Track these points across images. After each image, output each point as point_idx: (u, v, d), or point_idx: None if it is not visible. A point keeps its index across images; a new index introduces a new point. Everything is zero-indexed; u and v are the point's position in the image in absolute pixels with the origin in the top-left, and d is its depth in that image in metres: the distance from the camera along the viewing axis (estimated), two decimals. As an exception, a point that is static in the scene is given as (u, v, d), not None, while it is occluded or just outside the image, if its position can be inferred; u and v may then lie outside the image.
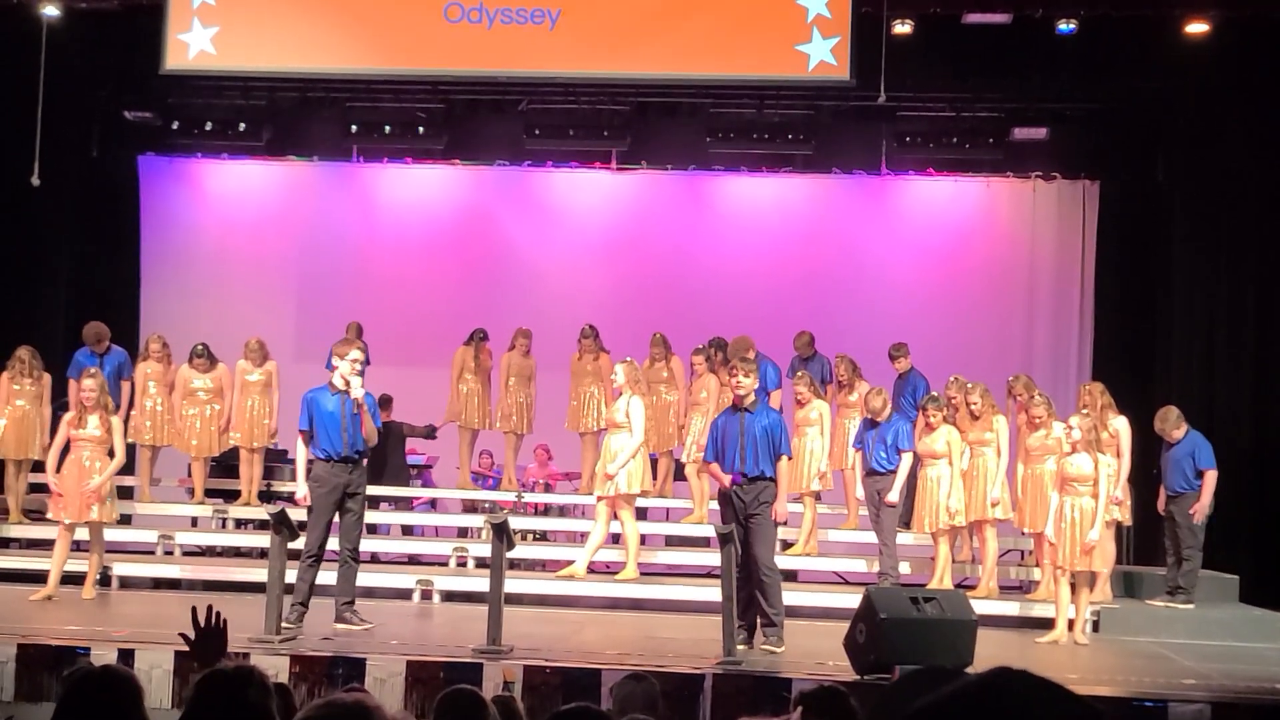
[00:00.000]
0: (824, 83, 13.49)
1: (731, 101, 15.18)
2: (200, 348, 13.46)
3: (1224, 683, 9.19)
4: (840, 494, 13.11)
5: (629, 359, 12.00)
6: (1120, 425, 11.66)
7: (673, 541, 13.47)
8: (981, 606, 9.79)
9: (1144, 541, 13.39)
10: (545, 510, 14.54)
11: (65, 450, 11.05)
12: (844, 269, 16.38)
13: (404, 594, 11.86)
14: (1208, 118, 14.27)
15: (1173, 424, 11.90)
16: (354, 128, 15.59)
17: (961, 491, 11.56)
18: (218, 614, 4.07)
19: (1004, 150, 15.34)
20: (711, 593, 9.91)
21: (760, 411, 9.82)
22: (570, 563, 11.93)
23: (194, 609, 4.08)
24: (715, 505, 10.78)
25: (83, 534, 11.12)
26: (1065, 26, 13.20)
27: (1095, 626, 11.04)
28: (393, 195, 17.21)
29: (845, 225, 16.67)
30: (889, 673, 8.11)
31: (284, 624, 9.20)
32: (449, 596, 11.90)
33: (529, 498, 14.31)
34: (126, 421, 12.58)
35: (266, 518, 9.77)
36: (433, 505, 15.30)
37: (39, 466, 12.64)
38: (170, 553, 12.89)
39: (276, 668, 8.07)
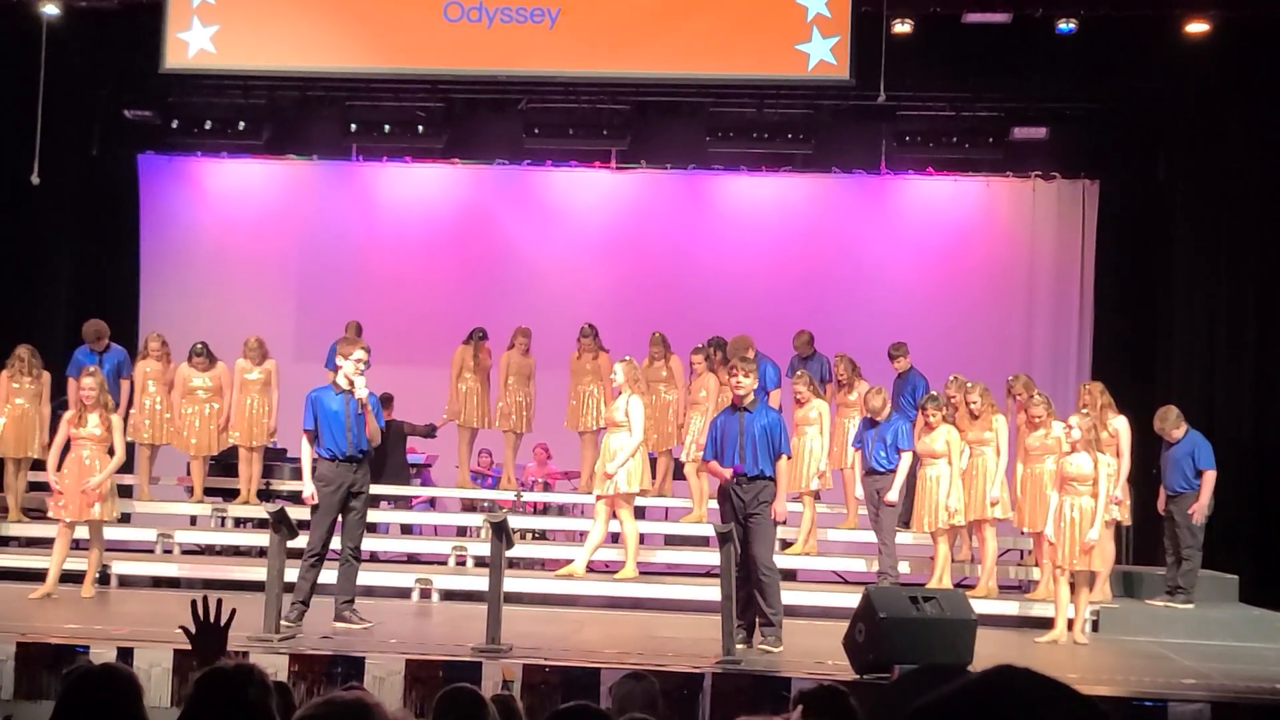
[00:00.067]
0: (824, 82, 13.49)
1: (731, 101, 15.17)
2: (200, 346, 13.46)
3: (1224, 682, 9.19)
4: (839, 493, 13.12)
5: (628, 358, 12.00)
6: (1120, 425, 11.65)
7: (672, 540, 13.47)
8: (981, 606, 9.79)
9: (1143, 541, 13.39)
10: (544, 509, 14.53)
11: (65, 449, 11.05)
12: (844, 268, 16.37)
13: (403, 593, 11.86)
14: (1208, 117, 14.28)
15: (1172, 423, 11.90)
16: (354, 127, 15.58)
17: (961, 491, 11.56)
18: (219, 602, 4.06)
19: (1004, 150, 15.33)
20: (711, 592, 9.91)
21: (759, 411, 9.81)
22: (569, 562, 11.93)
23: (194, 602, 4.07)
24: (714, 504, 10.78)
25: (82, 532, 11.11)
26: (1065, 26, 13.20)
27: (1095, 626, 11.04)
28: (392, 194, 17.20)
29: (845, 225, 16.67)
30: (888, 672, 8.11)
31: (283, 622, 9.20)
32: (448, 595, 11.90)
33: (528, 497, 14.31)
34: (126, 420, 12.58)
35: (265, 516, 9.77)
36: (432, 504, 15.31)
37: (38, 465, 12.64)
38: (169, 551, 12.89)
39: (275, 666, 8.07)
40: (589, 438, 13.66)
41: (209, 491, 13.83)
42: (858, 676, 8.28)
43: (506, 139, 16.03)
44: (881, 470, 11.63)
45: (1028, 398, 11.65)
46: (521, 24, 13.13)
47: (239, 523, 13.56)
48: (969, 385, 11.81)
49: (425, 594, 11.88)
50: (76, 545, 11.14)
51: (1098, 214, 15.88)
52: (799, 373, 12.77)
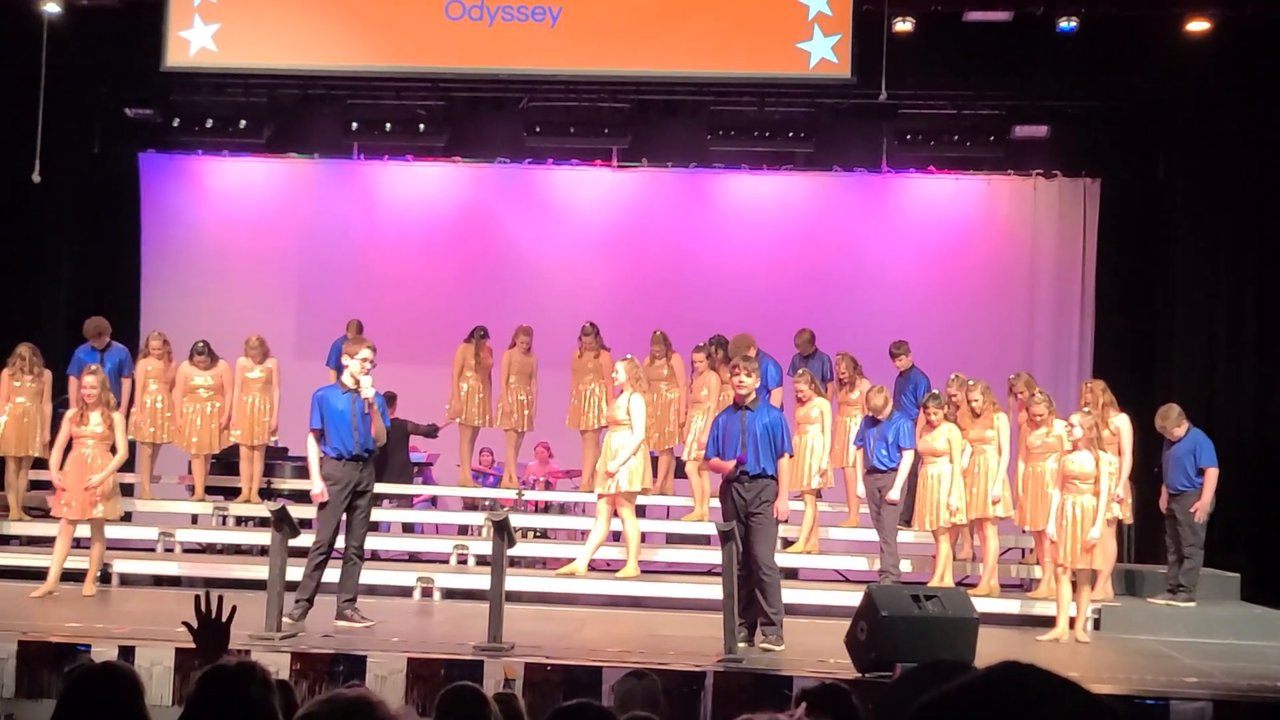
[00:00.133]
0: (825, 80, 13.48)
1: (732, 99, 15.16)
2: (201, 345, 13.46)
3: (1226, 681, 9.20)
4: (841, 492, 13.11)
5: (630, 356, 11.99)
6: (1121, 423, 11.65)
7: (673, 539, 13.47)
8: (982, 604, 9.80)
9: (1145, 539, 13.38)
10: (546, 508, 14.53)
11: (67, 447, 11.06)
12: (845, 267, 16.37)
13: (405, 591, 11.86)
14: (1208, 116, 14.28)
15: (1174, 422, 11.90)
16: (355, 125, 15.57)
17: (962, 489, 11.55)
18: (220, 598, 4.06)
19: (1005, 148, 15.33)
20: (712, 590, 9.91)
21: (761, 409, 9.81)
22: (571, 560, 11.93)
23: (197, 598, 4.07)
24: (716, 503, 10.78)
25: (83, 531, 11.11)
26: (1066, 24, 13.22)
27: (1096, 624, 11.04)
28: (393, 192, 17.20)
29: (846, 223, 16.66)
30: (890, 670, 8.10)
31: (287, 619, 9.22)
32: (450, 594, 11.90)
33: (529, 495, 14.32)
34: (127, 418, 12.58)
35: (267, 515, 9.76)
36: (433, 503, 15.31)
37: (39, 463, 12.65)
38: (171, 550, 12.89)
39: (277, 665, 8.06)
40: (590, 436, 13.66)
41: (210, 490, 13.83)
42: (859, 675, 8.28)
43: (507, 137, 16.03)
44: (883, 469, 11.63)
45: (1029, 396, 11.64)
46: (523, 22, 13.14)
47: (240, 521, 13.56)
48: (970, 383, 11.81)
49: (427, 592, 11.89)
50: (78, 544, 11.14)
51: (1099, 212, 15.88)
52: (800, 371, 12.77)
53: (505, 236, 16.95)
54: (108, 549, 11.52)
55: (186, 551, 13.15)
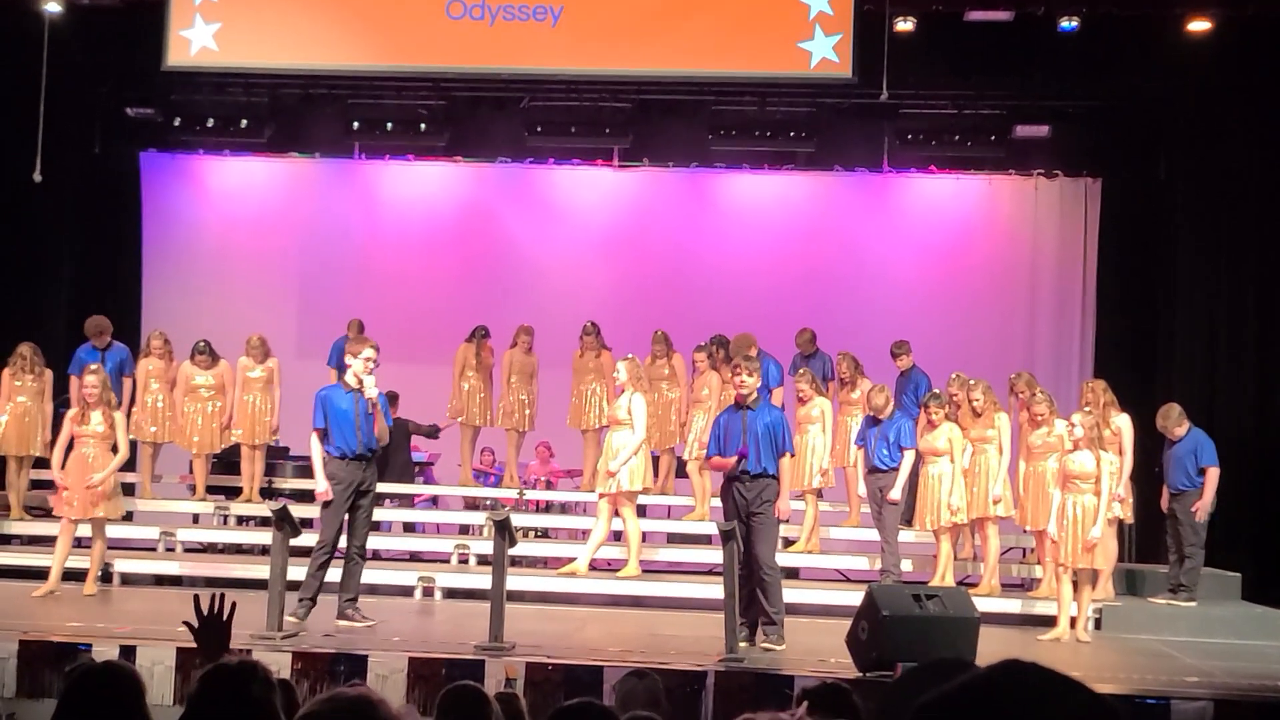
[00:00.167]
0: (826, 80, 13.49)
1: (733, 99, 15.16)
2: (202, 344, 13.46)
3: (1226, 680, 9.19)
4: (842, 491, 13.11)
5: (631, 356, 11.99)
6: (1122, 422, 11.65)
7: (674, 539, 13.47)
8: (983, 604, 9.78)
9: (1146, 539, 13.38)
10: (547, 507, 14.53)
11: (69, 447, 11.06)
12: (846, 266, 16.37)
13: (406, 591, 11.86)
14: (1209, 116, 14.27)
15: (1174, 421, 11.90)
16: (356, 124, 15.57)
17: (963, 489, 11.55)
18: (220, 596, 4.06)
19: (1006, 148, 15.33)
20: (713, 590, 9.91)
21: (762, 409, 9.80)
22: (572, 560, 11.92)
23: (196, 597, 4.07)
24: (717, 502, 10.78)
25: (84, 530, 11.11)
26: (1067, 24, 13.22)
27: (1097, 624, 11.04)
28: (394, 192, 17.20)
29: (847, 222, 16.66)
30: (891, 670, 8.10)
31: (290, 618, 9.23)
32: (451, 593, 11.90)
33: (530, 495, 14.31)
34: (128, 418, 12.57)
35: (268, 514, 9.77)
36: (434, 502, 15.31)
37: (41, 463, 12.65)
38: (172, 549, 12.89)
39: (278, 664, 8.05)
40: (591, 436, 13.65)
41: (211, 489, 13.84)
42: (861, 674, 8.28)
43: (509, 137, 16.03)
44: (884, 468, 11.62)
45: (1030, 395, 11.64)
46: (524, 22, 13.14)
47: (241, 520, 13.55)
48: (971, 383, 11.81)
49: (428, 592, 11.88)
50: (79, 543, 11.14)
51: (1099, 212, 15.88)
52: (801, 371, 12.77)
53: (506, 236, 16.95)
54: (109, 548, 11.51)
55: (188, 551, 13.15)
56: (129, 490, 13.07)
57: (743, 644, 9.09)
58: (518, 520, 10.51)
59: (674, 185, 16.86)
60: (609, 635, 10.01)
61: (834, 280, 16.22)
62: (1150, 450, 12.33)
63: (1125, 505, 11.68)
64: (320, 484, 9.89)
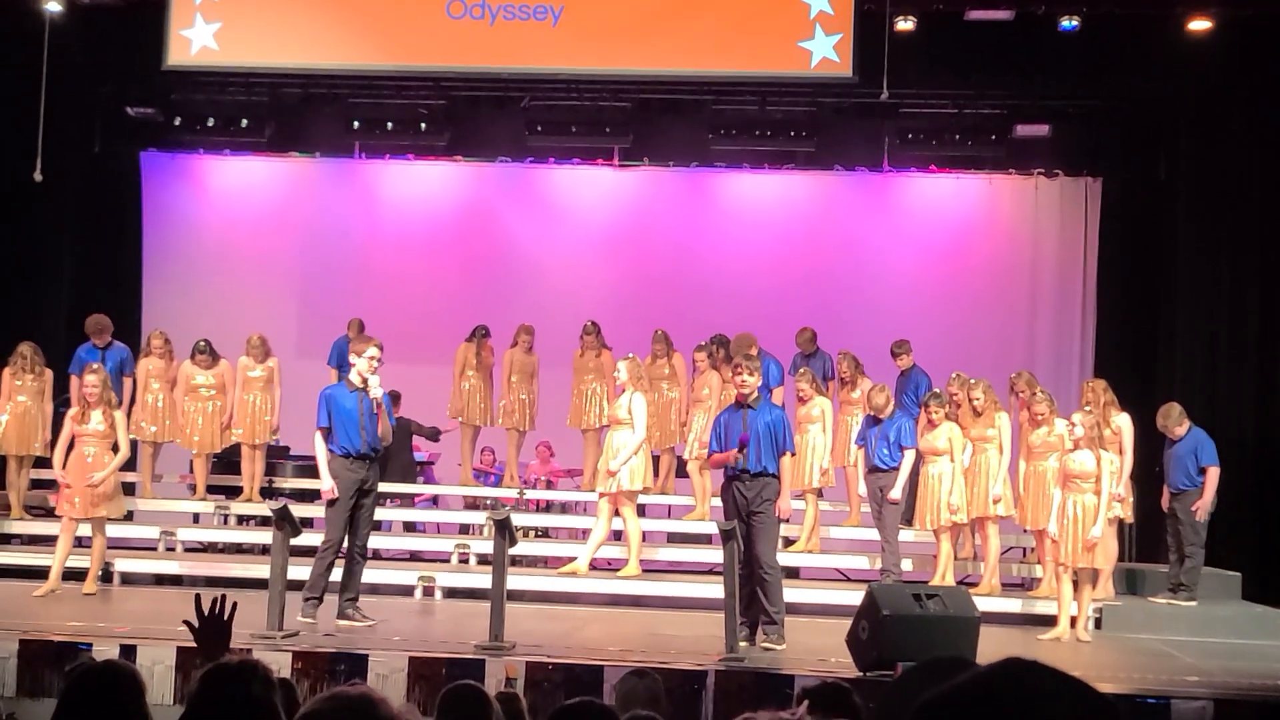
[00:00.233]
0: (826, 79, 13.49)
1: (734, 98, 15.17)
2: (202, 344, 13.46)
3: (1227, 680, 9.18)
4: (842, 491, 13.11)
5: (631, 355, 11.99)
6: (1122, 422, 11.65)
7: (674, 538, 13.46)
8: (984, 603, 9.78)
9: (1146, 539, 13.38)
10: (547, 507, 14.53)
11: (69, 446, 11.06)
12: (846, 266, 16.37)
13: (406, 590, 11.85)
14: (1210, 115, 14.28)
15: (1175, 421, 11.90)
16: (356, 124, 15.57)
17: (963, 488, 11.55)
18: (221, 596, 4.06)
19: (1006, 147, 15.33)
20: (714, 589, 9.91)
21: (763, 408, 9.80)
22: (572, 559, 11.92)
23: (197, 596, 4.07)
24: (717, 502, 10.78)
25: (85, 529, 11.11)
26: (1068, 23, 13.22)
27: (1098, 624, 11.04)
28: (395, 191, 17.20)
29: (847, 222, 16.66)
30: (891, 669, 8.10)
31: (300, 618, 9.28)
32: (451, 593, 11.90)
33: (531, 494, 14.31)
34: (129, 417, 12.57)
35: (268, 514, 9.77)
36: (435, 502, 15.32)
37: (41, 462, 12.65)
38: (172, 549, 12.89)
39: (279, 663, 8.05)
40: (592, 435, 13.65)
41: (212, 489, 13.83)
42: (861, 674, 8.28)
43: (509, 136, 16.03)
44: (884, 468, 11.62)
45: (1030, 395, 11.64)
46: (524, 21, 13.14)
47: (242, 520, 13.55)
48: (972, 382, 11.81)
49: (428, 591, 11.88)
50: (79, 543, 11.14)
51: (1100, 211, 15.89)
52: (802, 370, 12.77)
53: (507, 235, 16.95)
54: (109, 548, 11.51)
55: (188, 550, 13.15)
56: (129, 490, 13.07)
57: (743, 643, 9.09)
58: (518, 520, 10.51)
59: (674, 185, 16.86)
60: (609, 635, 10.01)
61: (834, 280, 16.22)
62: (1150, 450, 12.33)
63: (1125, 505, 11.68)
64: (325, 482, 9.89)
